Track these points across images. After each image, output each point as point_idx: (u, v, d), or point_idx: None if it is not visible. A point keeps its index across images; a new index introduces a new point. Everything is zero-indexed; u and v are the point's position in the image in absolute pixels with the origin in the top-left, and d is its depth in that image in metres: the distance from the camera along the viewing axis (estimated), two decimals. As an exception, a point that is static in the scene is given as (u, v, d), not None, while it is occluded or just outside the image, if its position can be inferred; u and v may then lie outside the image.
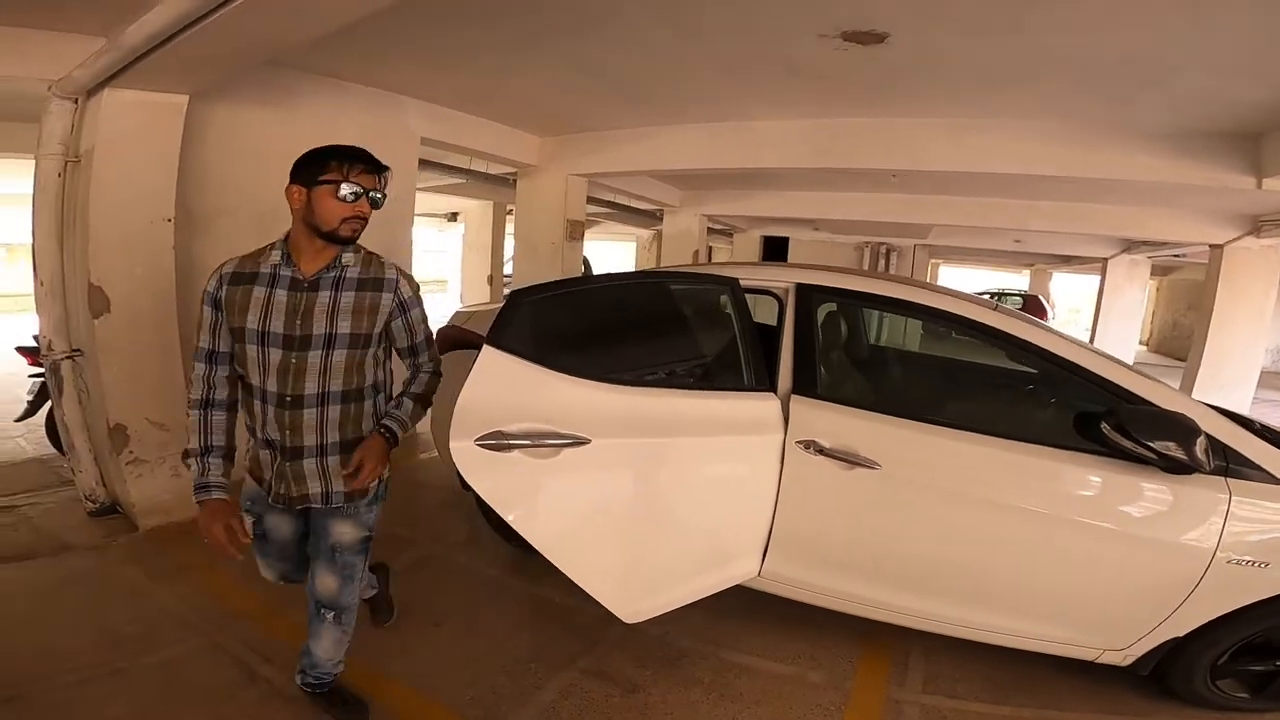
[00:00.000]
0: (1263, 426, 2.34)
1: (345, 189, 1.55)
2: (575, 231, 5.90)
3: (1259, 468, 1.89)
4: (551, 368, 1.79)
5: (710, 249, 13.00)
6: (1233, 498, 1.85)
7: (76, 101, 2.76)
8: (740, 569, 2.18)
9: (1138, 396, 1.94)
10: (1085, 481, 1.96)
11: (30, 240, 2.86)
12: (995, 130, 3.78)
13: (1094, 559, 1.97)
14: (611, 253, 18.37)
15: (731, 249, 13.08)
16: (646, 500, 1.98)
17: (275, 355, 1.54)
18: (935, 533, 2.05)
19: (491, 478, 1.72)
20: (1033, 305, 15.74)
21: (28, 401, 3.76)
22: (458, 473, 2.93)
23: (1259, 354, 7.29)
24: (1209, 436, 1.82)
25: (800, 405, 2.11)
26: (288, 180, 1.61)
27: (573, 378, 1.82)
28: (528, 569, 2.81)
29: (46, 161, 2.77)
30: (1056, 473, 1.98)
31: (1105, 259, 10.70)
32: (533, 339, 1.77)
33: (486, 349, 1.69)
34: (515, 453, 1.71)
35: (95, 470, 3.07)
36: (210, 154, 3.29)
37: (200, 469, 1.59)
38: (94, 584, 2.57)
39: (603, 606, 1.98)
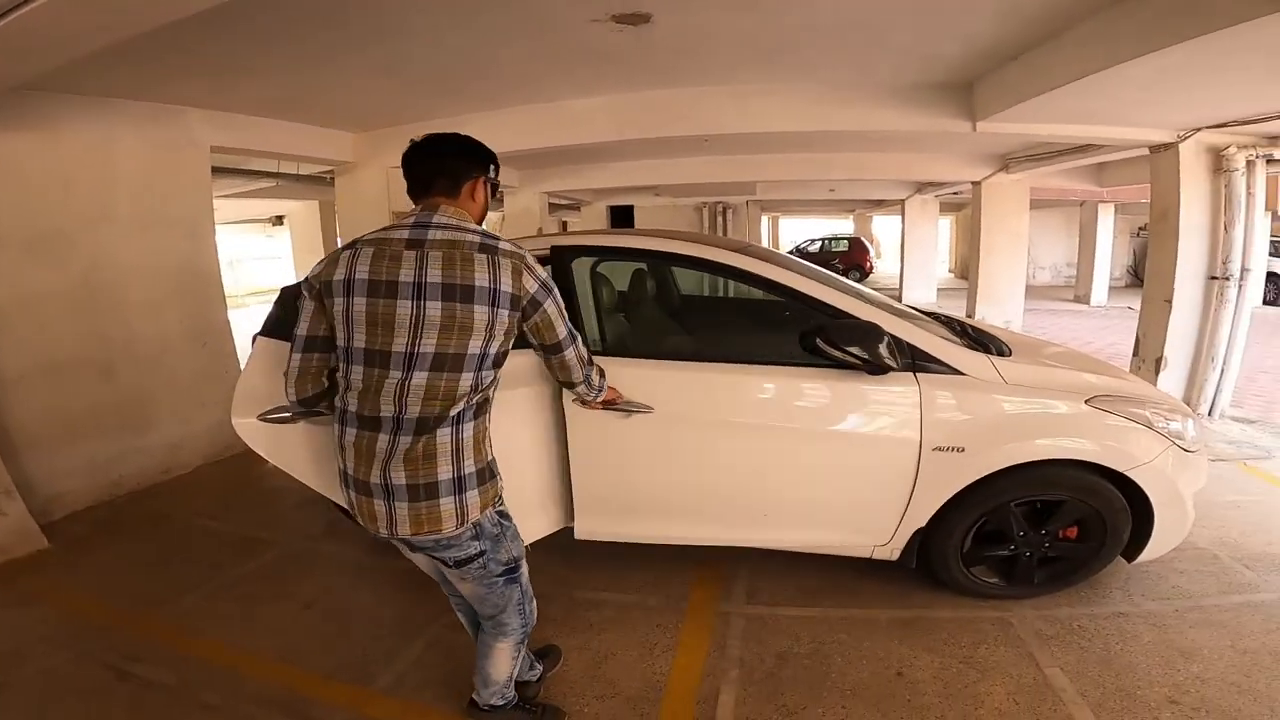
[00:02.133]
0: (973, 329, 2.77)
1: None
2: (404, 223, 5.78)
3: (941, 362, 2.18)
4: None
5: (565, 223, 13.10)
6: (922, 390, 2.12)
7: None
8: (541, 523, 2.31)
9: (844, 312, 2.18)
10: (811, 393, 2.21)
11: None
12: (769, 94, 4.25)
13: (835, 463, 2.21)
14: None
15: (580, 220, 13.28)
16: None
17: None
18: (710, 462, 2.25)
19: (281, 448, 1.88)
20: (857, 246, 17.55)
21: None
22: None
23: (1021, 270, 8.78)
24: (894, 338, 2.08)
25: None
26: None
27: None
28: (387, 549, 2.87)
29: None
30: (793, 389, 2.23)
31: (903, 200, 12.19)
32: None
33: (259, 339, 1.84)
34: (301, 423, 1.85)
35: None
36: None
37: None
38: None
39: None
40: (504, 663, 1.75)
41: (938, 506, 2.22)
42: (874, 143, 6.80)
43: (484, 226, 1.53)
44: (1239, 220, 4.52)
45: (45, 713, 2.02)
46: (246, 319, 4.92)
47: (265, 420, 1.83)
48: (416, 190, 1.52)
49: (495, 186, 1.61)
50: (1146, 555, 2.34)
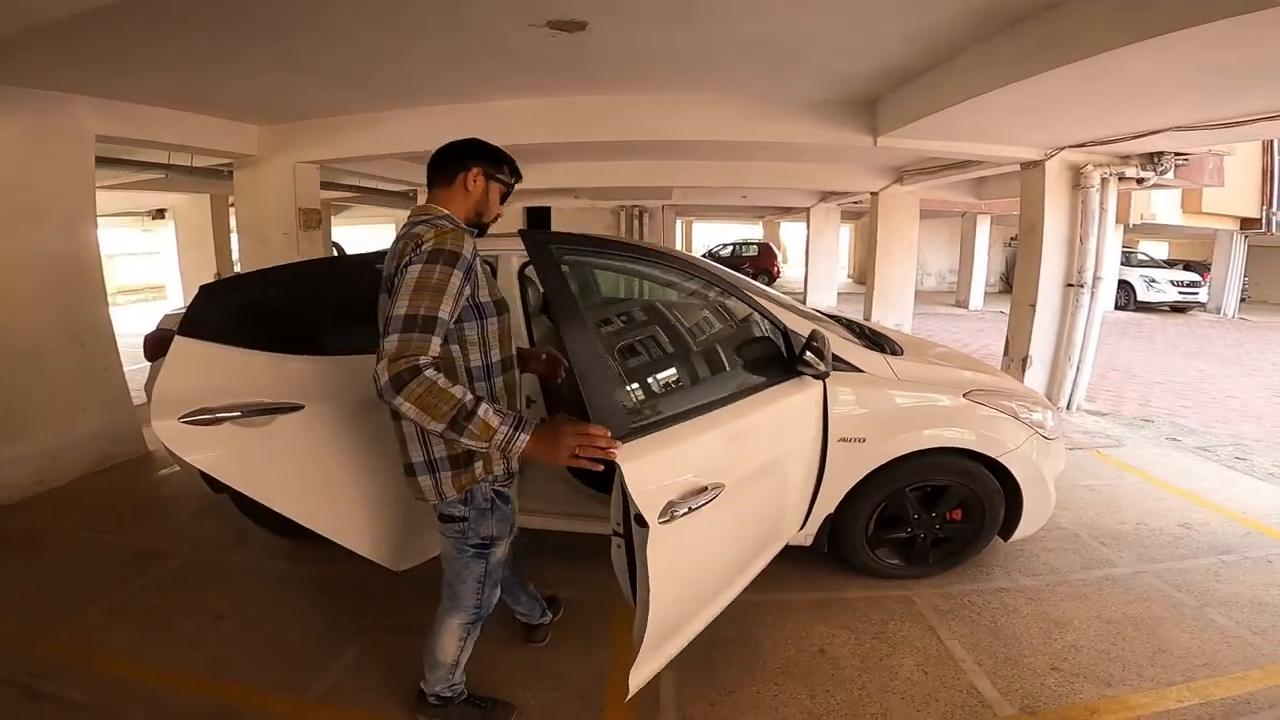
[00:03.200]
0: (869, 330, 3.08)
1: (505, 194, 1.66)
2: (310, 220, 5.51)
3: (845, 361, 2.37)
4: (252, 348, 1.88)
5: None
6: (829, 388, 2.24)
7: None
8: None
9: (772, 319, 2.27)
10: (756, 420, 2.04)
11: None
12: (691, 104, 4.43)
13: (772, 468, 2.15)
14: (371, 237, 17.02)
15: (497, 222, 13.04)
16: (376, 455, 2.05)
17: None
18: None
19: (208, 449, 1.80)
20: (766, 251, 18.34)
21: None
22: (203, 479, 2.80)
23: (911, 276, 9.55)
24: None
25: None
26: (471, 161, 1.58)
27: (276, 353, 1.93)
28: (307, 554, 2.81)
29: None
30: (748, 426, 2.09)
31: (808, 209, 12.91)
32: (228, 324, 1.86)
33: (178, 339, 1.76)
34: (226, 425, 1.80)
35: None
36: None
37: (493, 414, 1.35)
38: None
39: (386, 573, 2.14)
40: (449, 643, 1.74)
41: (844, 493, 2.43)
42: (786, 153, 7.19)
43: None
44: (1093, 232, 5.18)
45: None
46: (121, 319, 4.53)
47: (187, 423, 1.75)
48: (430, 190, 1.63)
49: (502, 183, 1.65)
50: (1019, 534, 2.65)
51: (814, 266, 13.47)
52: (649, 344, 1.96)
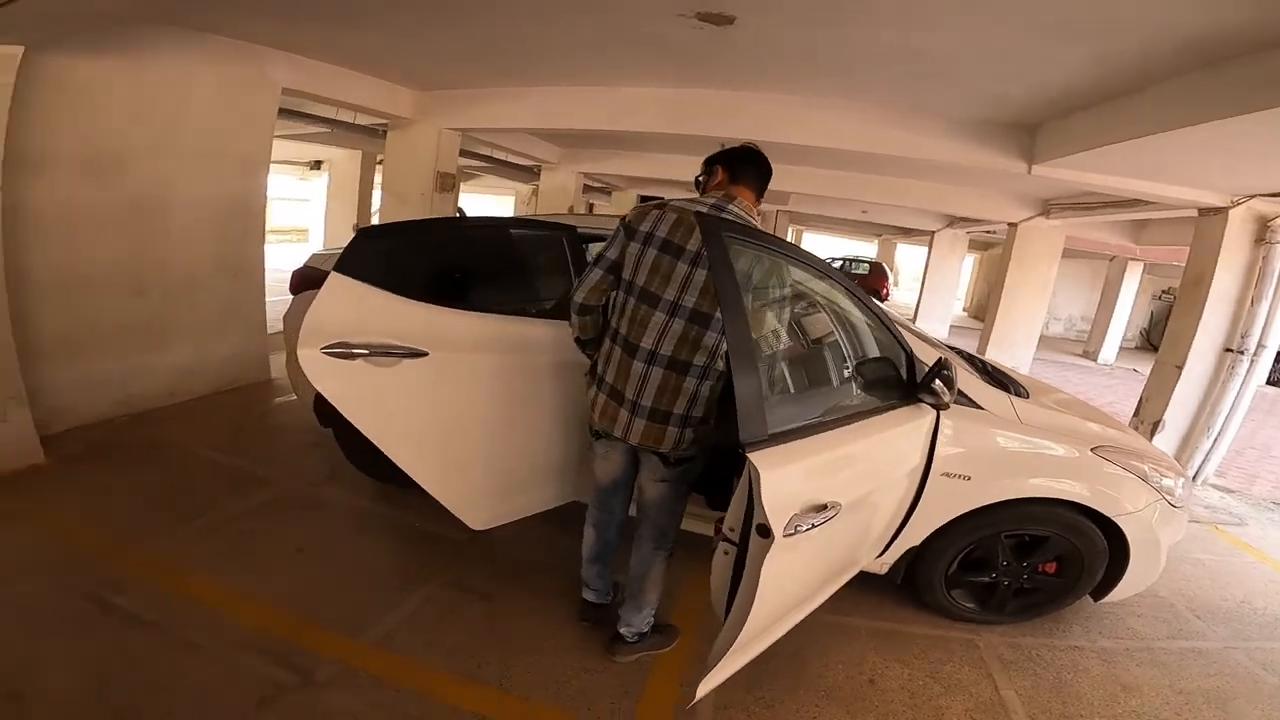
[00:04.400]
0: (991, 367, 2.92)
1: None
2: (445, 183, 5.87)
3: (964, 395, 2.25)
4: (394, 292, 1.97)
5: (591, 205, 13.11)
6: (940, 419, 2.15)
7: None
8: (572, 486, 2.43)
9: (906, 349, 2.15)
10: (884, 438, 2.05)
11: None
12: (823, 108, 4.25)
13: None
14: (490, 206, 17.87)
15: (610, 205, 13.30)
16: (484, 412, 2.17)
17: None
18: None
19: (337, 382, 1.89)
20: (877, 271, 17.53)
21: None
22: (315, 411, 3.03)
23: (1040, 318, 8.78)
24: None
25: None
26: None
27: (413, 301, 2.01)
28: (391, 500, 2.98)
29: None
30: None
31: (933, 232, 12.16)
32: (377, 267, 1.94)
33: (333, 274, 1.85)
34: (359, 361, 1.89)
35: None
36: (42, 101, 3.07)
37: None
38: None
39: (460, 530, 2.22)
40: (659, 579, 2.03)
41: (935, 529, 2.33)
42: (916, 170, 6.79)
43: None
44: (1268, 294, 4.51)
45: (20, 642, 1.93)
46: (267, 256, 4.92)
47: (327, 353, 1.85)
48: (739, 182, 1.86)
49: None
50: (1113, 596, 2.51)
51: (929, 294, 12.69)
52: (790, 350, 1.94)
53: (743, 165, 1.88)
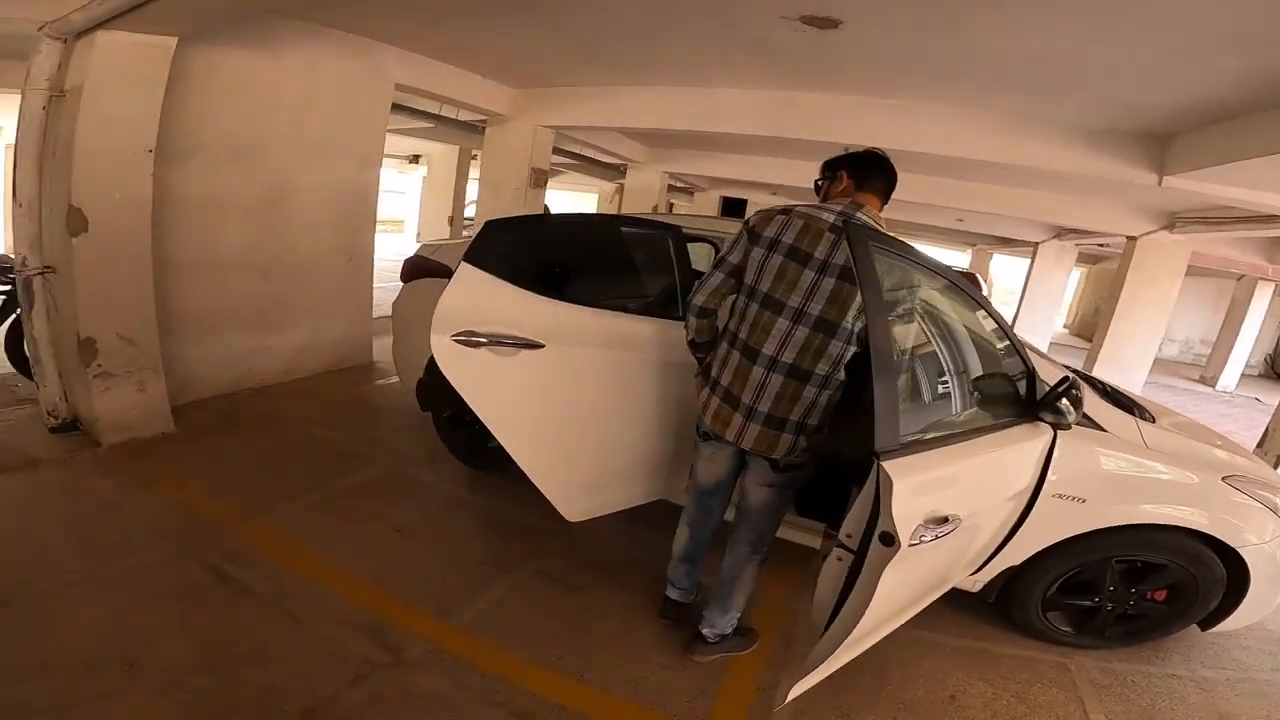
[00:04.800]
0: (1110, 389, 2.77)
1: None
2: (539, 179, 6.04)
3: (1086, 415, 2.20)
4: (516, 284, 2.05)
5: (671, 204, 13.11)
6: (1057, 437, 2.06)
7: (65, 41, 2.83)
8: (674, 483, 2.48)
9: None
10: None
11: (11, 168, 2.93)
12: (930, 114, 4.08)
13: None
14: (573, 204, 18.22)
15: (691, 205, 13.26)
16: (591, 406, 2.24)
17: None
18: None
19: (461, 368, 1.98)
20: (970, 282, 16.58)
21: None
22: (417, 395, 3.19)
23: (1157, 340, 8.05)
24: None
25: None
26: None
27: (533, 294, 2.09)
28: (482, 486, 3.11)
29: (33, 95, 2.85)
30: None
31: (1037, 243, 11.39)
32: (502, 260, 2.02)
33: (464, 264, 1.94)
34: (482, 349, 1.98)
35: (59, 385, 3.15)
36: (191, 92, 3.37)
37: None
38: (66, 496, 2.67)
39: (549, 520, 2.28)
40: (749, 583, 2.05)
41: (1039, 549, 2.24)
42: (1025, 179, 6.39)
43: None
44: None
45: (144, 609, 2.04)
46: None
47: (457, 341, 1.95)
48: (865, 188, 1.82)
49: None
50: (1223, 627, 2.40)
51: (1028, 308, 11.89)
52: (921, 359, 1.93)
53: (869, 171, 1.84)
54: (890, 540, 1.42)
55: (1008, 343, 2.05)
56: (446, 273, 3.17)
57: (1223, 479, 2.27)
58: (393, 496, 2.98)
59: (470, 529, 2.79)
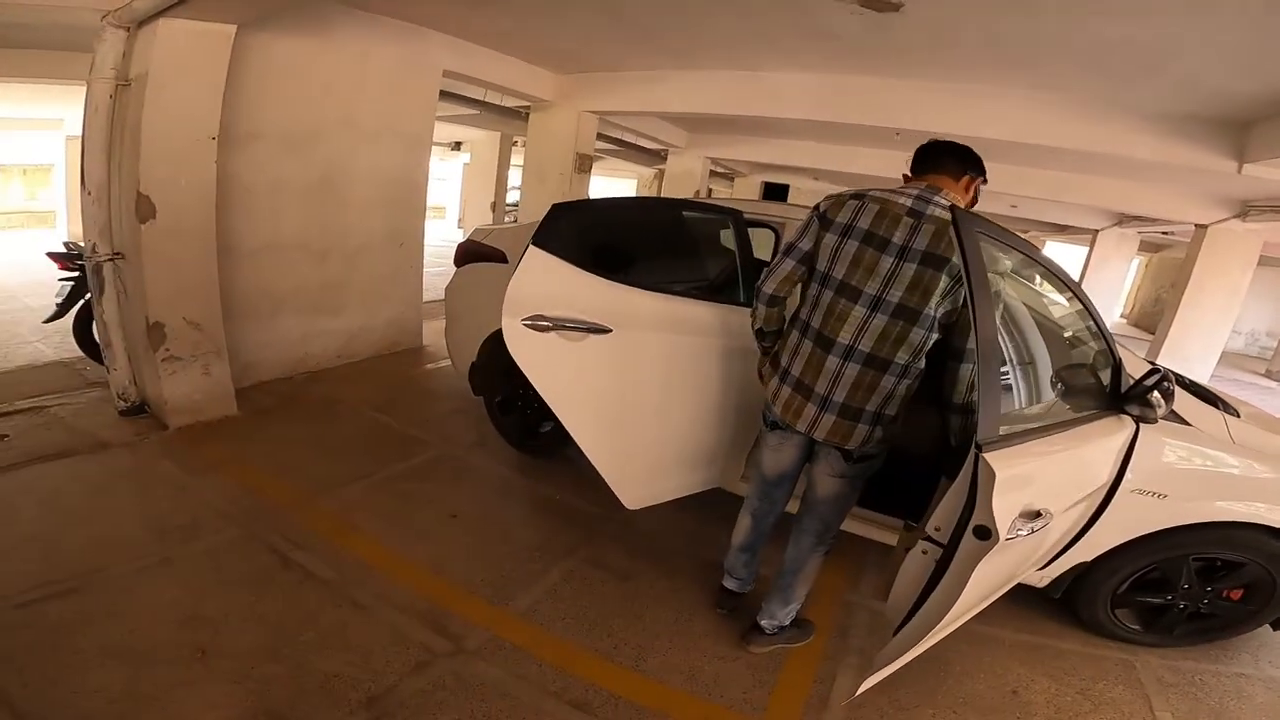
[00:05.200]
0: (1191, 383, 2.64)
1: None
2: (583, 165, 6.04)
3: (1173, 411, 2.12)
4: (582, 268, 2.04)
5: (710, 190, 12.94)
6: (1140, 432, 1.98)
7: (129, 30, 2.91)
8: (731, 472, 2.47)
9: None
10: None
11: (80, 156, 3.03)
12: (997, 98, 3.91)
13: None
14: (612, 189, 18.17)
15: (731, 191, 13.08)
16: (655, 392, 2.23)
17: None
18: None
19: (529, 352, 1.98)
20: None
21: (57, 305, 3.89)
22: (470, 380, 3.21)
23: (1225, 331, 7.64)
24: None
25: None
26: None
27: (600, 278, 2.07)
28: (533, 471, 3.15)
29: (99, 85, 2.94)
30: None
31: (1096, 230, 10.90)
32: (568, 243, 2.00)
33: (531, 248, 1.92)
34: (551, 334, 1.98)
35: (129, 369, 3.29)
36: (249, 79, 3.44)
37: None
38: (136, 479, 2.75)
39: (600, 506, 2.33)
40: (812, 575, 2.03)
41: (1113, 546, 2.19)
42: (1087, 164, 6.10)
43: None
44: None
45: (212, 595, 2.08)
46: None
47: (526, 325, 1.95)
48: (926, 166, 1.78)
49: (978, 194, 1.84)
50: None
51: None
52: (1017, 350, 1.87)
53: (942, 153, 1.78)
54: (986, 534, 1.38)
55: (1096, 331, 1.97)
56: (501, 257, 3.20)
57: None
58: (447, 481, 3.02)
59: (522, 514, 2.82)
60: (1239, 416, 2.41)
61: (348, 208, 4.30)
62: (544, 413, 3.06)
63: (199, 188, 3.07)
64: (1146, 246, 13.06)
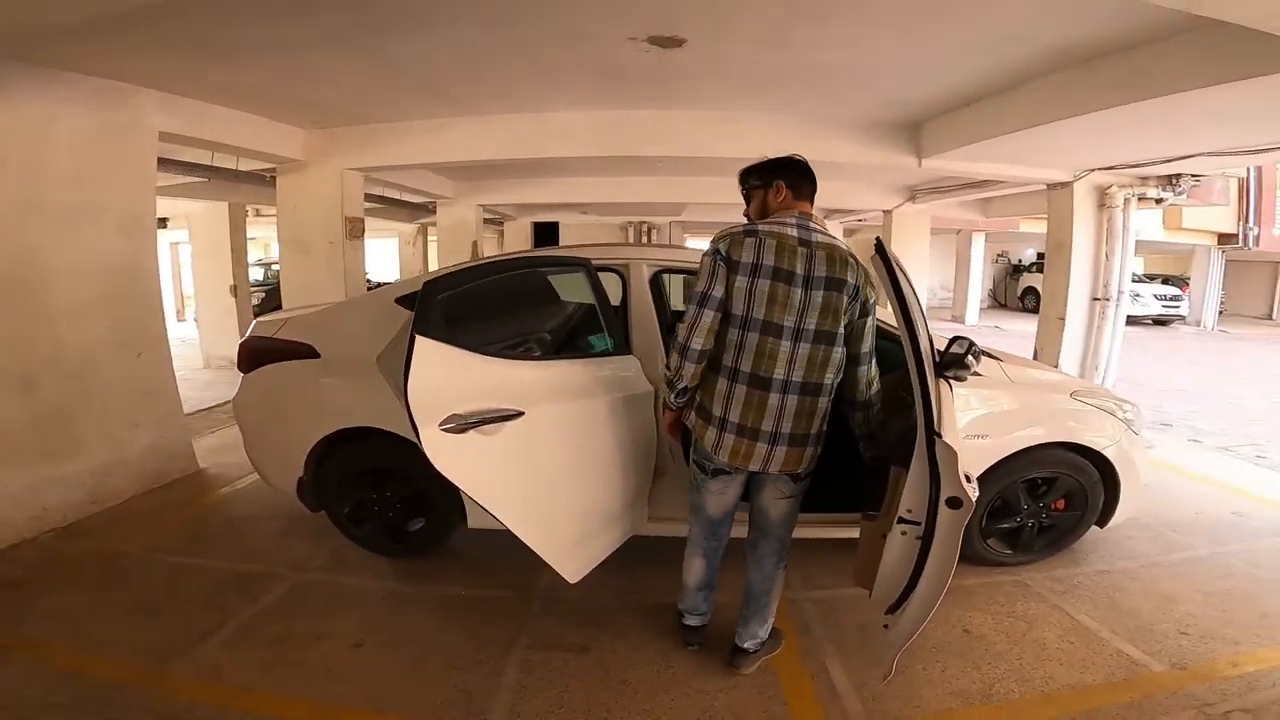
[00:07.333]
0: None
1: None
2: (355, 229, 5.45)
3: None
4: (473, 350, 1.87)
5: (475, 244, 12.72)
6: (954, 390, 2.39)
7: None
8: (639, 517, 2.45)
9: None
10: None
11: None
12: (749, 121, 4.48)
13: None
14: (371, 250, 16.77)
15: (501, 237, 13.00)
16: (568, 461, 2.13)
17: None
18: None
19: (454, 460, 1.75)
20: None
21: None
22: (299, 498, 2.82)
23: (923, 292, 9.79)
24: None
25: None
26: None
27: (495, 358, 1.93)
28: (418, 574, 2.74)
29: None
30: None
31: (811, 225, 13.13)
32: (450, 324, 1.83)
33: (419, 339, 1.69)
34: (470, 433, 1.76)
35: None
36: None
37: None
38: None
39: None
40: (779, 589, 2.09)
41: None
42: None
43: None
44: (1117, 249, 5.43)
45: None
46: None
47: (446, 430, 1.71)
48: (801, 196, 1.92)
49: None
50: (1115, 520, 2.84)
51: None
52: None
53: (798, 179, 1.93)
54: (958, 504, 1.59)
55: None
56: (310, 352, 2.74)
57: (1070, 395, 2.77)
58: (322, 611, 2.49)
59: (434, 622, 2.42)
60: (1003, 361, 2.87)
61: (51, 316, 3.30)
62: (409, 510, 2.75)
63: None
64: (846, 232, 16.09)
